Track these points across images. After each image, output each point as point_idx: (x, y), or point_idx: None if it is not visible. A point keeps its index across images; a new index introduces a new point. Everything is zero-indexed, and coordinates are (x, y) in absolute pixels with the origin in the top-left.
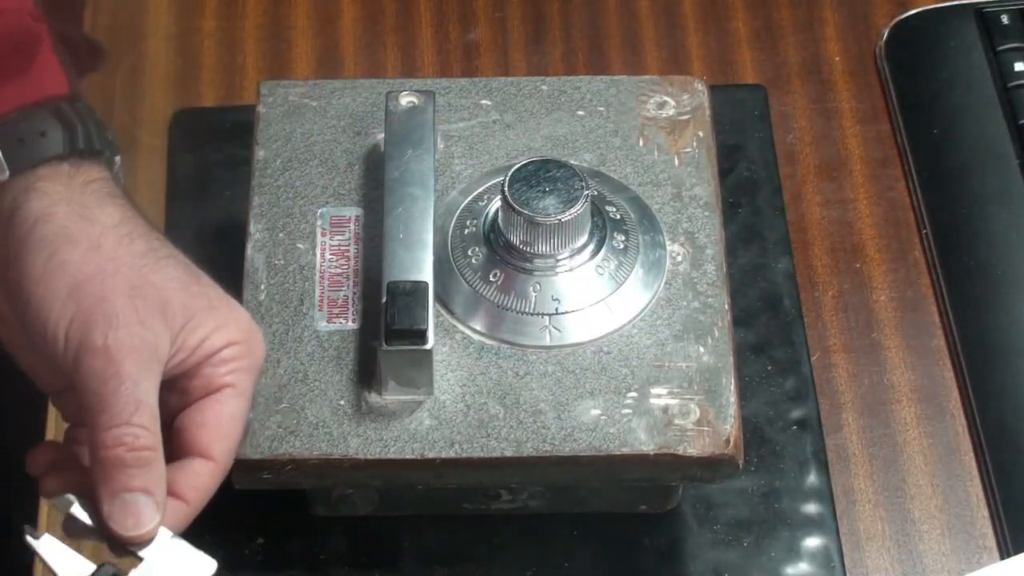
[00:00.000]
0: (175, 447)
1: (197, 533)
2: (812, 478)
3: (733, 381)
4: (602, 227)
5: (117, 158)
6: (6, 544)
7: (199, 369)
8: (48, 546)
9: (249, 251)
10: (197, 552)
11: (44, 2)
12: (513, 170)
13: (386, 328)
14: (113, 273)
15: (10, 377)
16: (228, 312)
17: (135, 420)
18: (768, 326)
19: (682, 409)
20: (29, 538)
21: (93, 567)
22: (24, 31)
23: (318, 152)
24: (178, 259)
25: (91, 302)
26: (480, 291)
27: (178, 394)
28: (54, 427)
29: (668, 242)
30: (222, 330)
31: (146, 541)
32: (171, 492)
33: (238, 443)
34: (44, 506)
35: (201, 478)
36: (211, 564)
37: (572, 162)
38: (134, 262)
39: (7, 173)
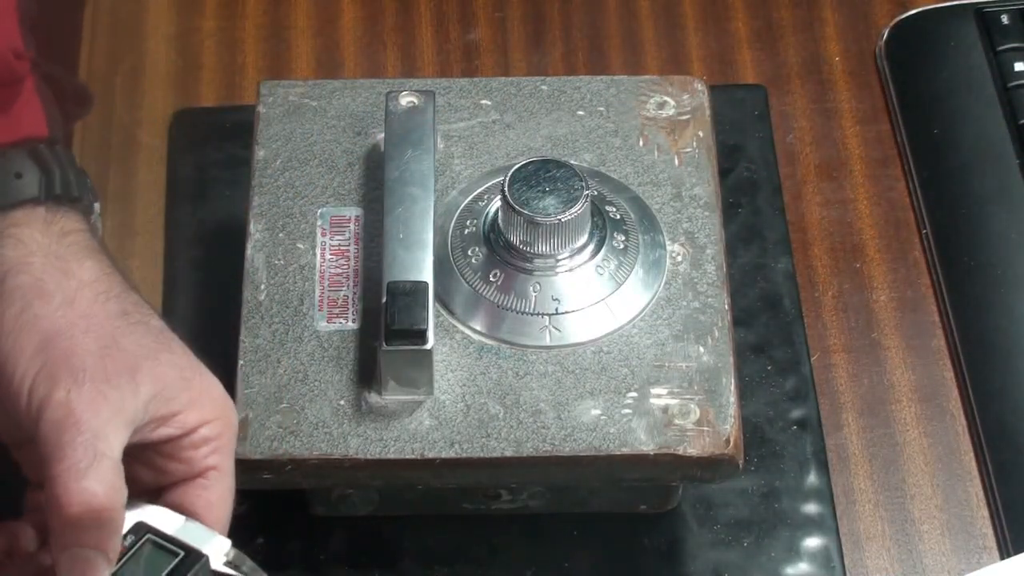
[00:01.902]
0: None
1: None
2: (812, 478)
3: (733, 381)
4: (602, 227)
5: (96, 205)
6: None
7: (177, 451)
8: None
9: (249, 251)
10: (212, 532)
11: (38, 43)
12: (513, 170)
13: (386, 328)
14: (84, 331)
15: None
16: (200, 384)
17: (91, 473)
18: (768, 326)
19: (682, 409)
20: None
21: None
22: (6, 70)
23: (318, 152)
24: (150, 325)
25: (59, 357)
26: (480, 291)
27: (155, 472)
28: None
29: (668, 242)
30: (195, 406)
31: None
32: None
33: (229, 521)
34: None
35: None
36: (225, 543)
37: (572, 162)
38: (108, 322)
39: None
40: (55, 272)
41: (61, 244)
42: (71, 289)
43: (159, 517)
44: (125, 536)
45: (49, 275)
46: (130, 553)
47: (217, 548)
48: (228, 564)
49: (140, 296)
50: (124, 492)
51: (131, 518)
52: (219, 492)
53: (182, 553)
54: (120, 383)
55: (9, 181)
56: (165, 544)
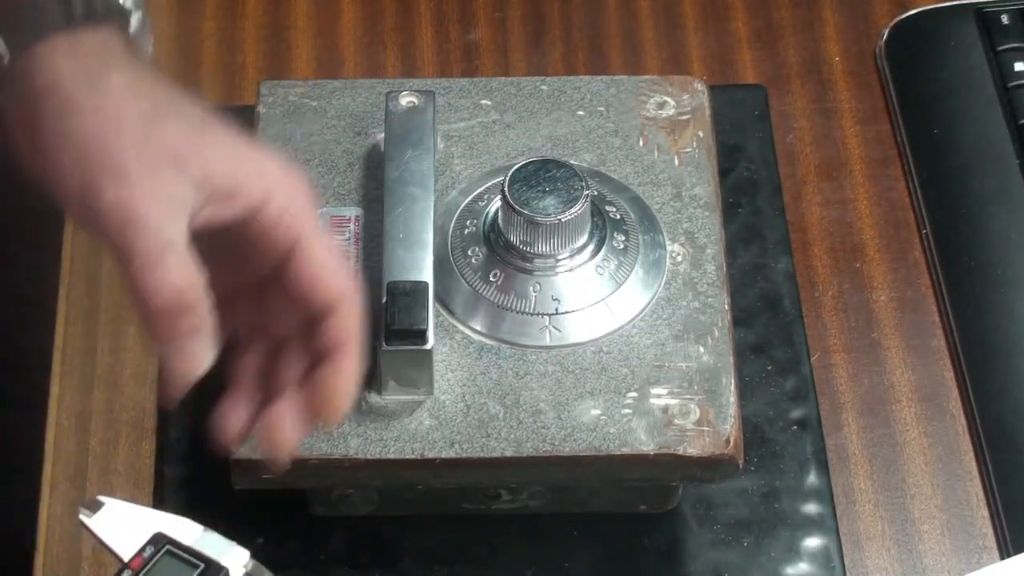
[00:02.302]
0: (295, 323)
1: None
2: (812, 478)
3: (733, 381)
4: (602, 227)
5: (134, 17)
6: (6, 542)
7: (255, 234)
8: (102, 524)
9: None
10: (230, 543)
11: None
12: (513, 170)
13: (386, 328)
14: (117, 134)
15: (10, 376)
16: (253, 158)
17: (163, 262)
18: (768, 326)
19: (682, 409)
20: (83, 518)
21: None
22: None
23: (318, 152)
24: (188, 114)
25: (96, 164)
26: (480, 291)
27: (247, 264)
28: (54, 426)
29: (668, 242)
30: (253, 178)
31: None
32: (327, 348)
33: (351, 274)
34: (44, 506)
35: (344, 319)
36: (244, 554)
37: (572, 162)
38: (140, 120)
39: (6, 57)
40: (83, 88)
41: (88, 63)
42: (99, 98)
43: (179, 528)
44: (144, 548)
45: (77, 91)
46: (149, 565)
47: (236, 559)
48: (247, 575)
49: (178, 90)
50: (199, 276)
51: (151, 528)
52: (320, 251)
53: (201, 565)
54: (163, 173)
55: (31, 16)
56: (184, 556)
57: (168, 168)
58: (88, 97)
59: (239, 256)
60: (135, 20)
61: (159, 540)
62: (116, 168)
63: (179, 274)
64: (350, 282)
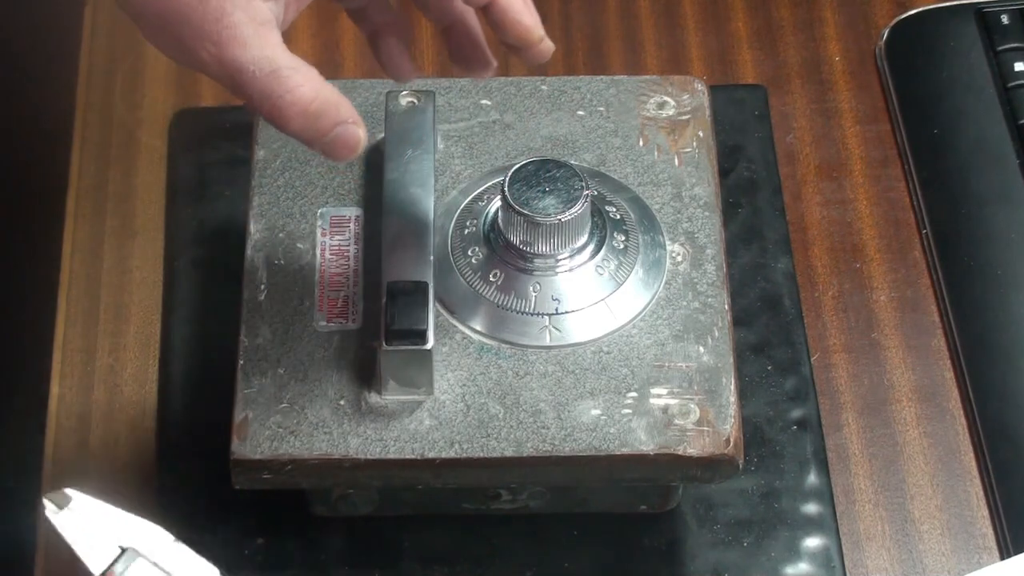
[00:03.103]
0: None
1: (197, 532)
2: (812, 478)
3: (733, 381)
4: (602, 227)
5: None
6: (6, 543)
7: None
8: (70, 524)
9: (249, 251)
10: (199, 559)
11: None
12: (513, 170)
13: (386, 328)
14: None
15: (10, 376)
16: None
17: (278, 91)
18: (768, 326)
19: (682, 409)
20: (49, 514)
21: (116, 549)
22: None
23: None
24: None
25: (185, 32)
26: (480, 291)
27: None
28: (54, 426)
29: (668, 242)
30: None
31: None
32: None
33: None
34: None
35: None
36: (212, 571)
37: (572, 162)
38: None
39: None
40: None
41: None
42: None
43: (149, 536)
44: (115, 562)
45: None
46: None
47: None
48: None
49: None
50: (314, 78)
51: (120, 534)
52: None
53: None
54: (229, 15)
55: None
56: (154, 571)
57: None
58: None
59: None
60: None
61: (128, 555)
62: (196, 31)
63: (299, 93)
64: None
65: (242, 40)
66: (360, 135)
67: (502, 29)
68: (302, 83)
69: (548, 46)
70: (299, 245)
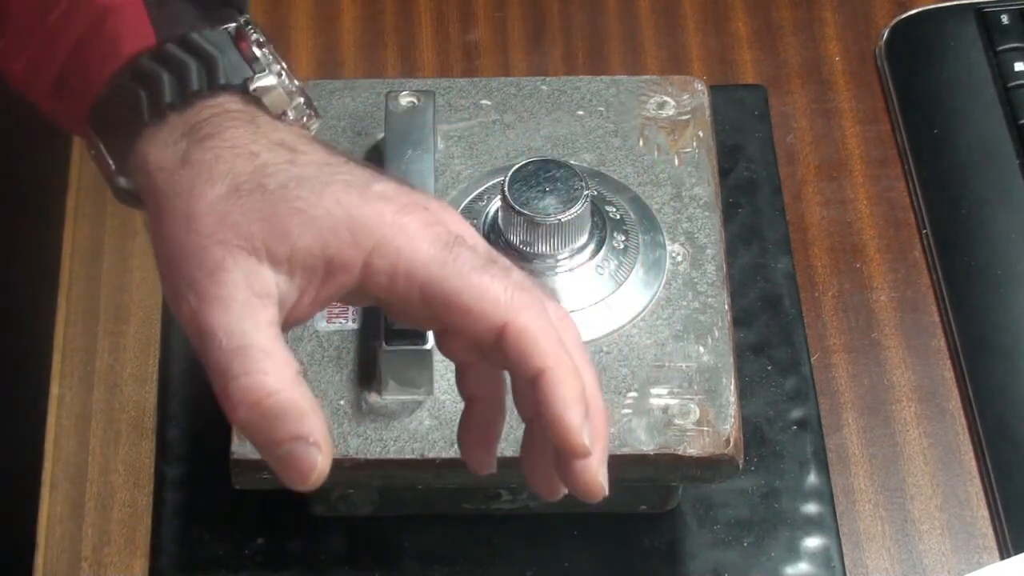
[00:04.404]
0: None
1: (197, 532)
2: (812, 478)
3: (733, 381)
4: (602, 227)
5: (260, 76)
6: (6, 542)
7: (378, 296)
8: None
9: None
10: None
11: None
12: (513, 170)
13: (386, 328)
14: (187, 232)
15: (10, 376)
16: (351, 219)
17: (233, 372)
18: (768, 326)
19: (682, 409)
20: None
21: None
22: (89, 6)
23: None
24: (279, 176)
25: (175, 274)
26: None
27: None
28: (54, 426)
29: (668, 242)
30: (348, 249)
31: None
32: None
33: (531, 296)
34: (44, 506)
35: (556, 394)
36: None
37: (572, 162)
38: (212, 207)
39: (112, 165)
40: (166, 183)
41: (174, 151)
42: (174, 192)
43: None
44: None
45: (166, 187)
46: None
47: None
48: None
49: (280, 141)
50: (287, 376)
51: None
52: (465, 291)
53: None
54: (232, 271)
55: (122, 114)
56: None
57: (241, 258)
58: (166, 194)
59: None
60: (256, 79)
61: None
62: (186, 277)
63: (258, 381)
64: (560, 352)
65: (226, 302)
66: (318, 463)
67: (543, 416)
68: (267, 371)
69: (593, 473)
70: None
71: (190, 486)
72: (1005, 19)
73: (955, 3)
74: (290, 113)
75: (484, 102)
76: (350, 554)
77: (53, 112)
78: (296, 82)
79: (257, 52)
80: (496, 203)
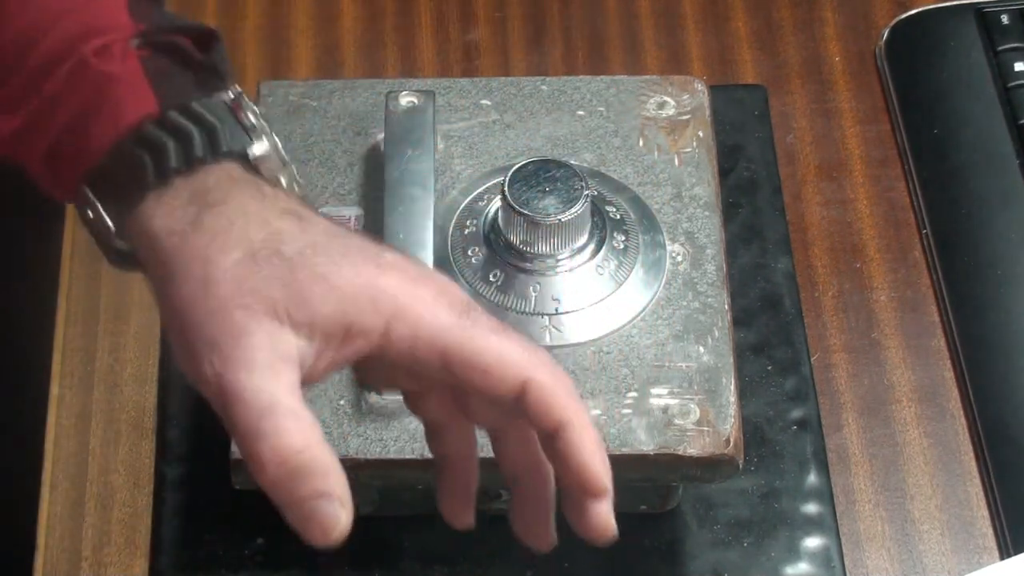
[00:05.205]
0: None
1: (197, 532)
2: (812, 478)
3: (733, 381)
4: (602, 227)
5: (252, 147)
6: (6, 542)
7: (395, 359)
8: None
9: None
10: None
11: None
12: (513, 170)
13: None
14: (205, 297)
15: (10, 376)
16: (368, 288)
17: (264, 432)
18: (768, 326)
19: (682, 409)
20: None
21: None
22: (90, 76)
23: (318, 152)
24: (294, 244)
25: (193, 336)
26: (480, 291)
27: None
28: (54, 426)
29: (668, 242)
30: (369, 316)
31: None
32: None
33: (543, 359)
34: (44, 506)
35: (577, 448)
36: None
37: (572, 162)
38: (230, 274)
39: (113, 229)
40: (175, 248)
41: (183, 215)
42: (188, 257)
43: None
44: None
45: (170, 254)
46: None
47: None
48: None
49: (290, 210)
50: (312, 434)
51: None
52: (483, 353)
53: None
54: (256, 333)
55: (126, 181)
56: None
57: (264, 322)
58: (179, 258)
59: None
60: (255, 148)
61: None
62: (206, 339)
63: (286, 440)
64: (573, 403)
65: (251, 364)
66: (341, 520)
67: (568, 463)
68: (293, 431)
69: (607, 513)
70: None
71: (190, 486)
72: (1005, 19)
73: (955, 3)
74: (283, 180)
75: (484, 102)
76: (350, 554)
77: (40, 176)
78: (284, 153)
79: (252, 120)
80: (496, 203)
